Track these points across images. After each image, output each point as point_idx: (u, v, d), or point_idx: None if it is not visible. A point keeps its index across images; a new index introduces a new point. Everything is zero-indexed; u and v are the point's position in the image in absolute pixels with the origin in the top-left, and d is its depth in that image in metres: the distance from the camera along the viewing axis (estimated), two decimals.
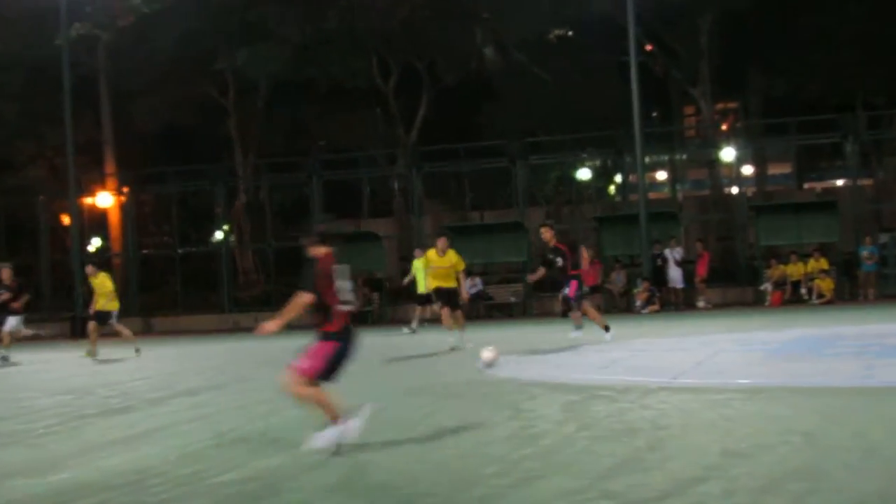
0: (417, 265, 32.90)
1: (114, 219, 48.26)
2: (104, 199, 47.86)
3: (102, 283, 28.22)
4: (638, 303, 38.21)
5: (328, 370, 11.11)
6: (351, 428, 10.99)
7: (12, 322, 27.96)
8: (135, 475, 10.49)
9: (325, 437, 10.92)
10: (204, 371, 22.09)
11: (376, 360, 22.49)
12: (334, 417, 10.95)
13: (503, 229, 41.73)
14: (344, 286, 11.20)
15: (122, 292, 45.83)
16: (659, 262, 39.24)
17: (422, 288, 32.55)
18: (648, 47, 49.14)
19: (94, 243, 51.93)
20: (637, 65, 39.37)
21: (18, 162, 53.01)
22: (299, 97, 50.21)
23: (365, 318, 39.98)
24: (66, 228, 48.63)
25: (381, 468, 10.24)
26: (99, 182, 48.73)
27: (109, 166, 49.04)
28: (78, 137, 44.21)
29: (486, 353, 16.77)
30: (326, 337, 11.15)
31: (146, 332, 41.45)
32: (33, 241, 47.06)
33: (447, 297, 24.33)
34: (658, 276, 38.99)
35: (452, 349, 23.58)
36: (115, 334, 29.57)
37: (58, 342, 37.08)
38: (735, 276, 42.27)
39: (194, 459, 11.24)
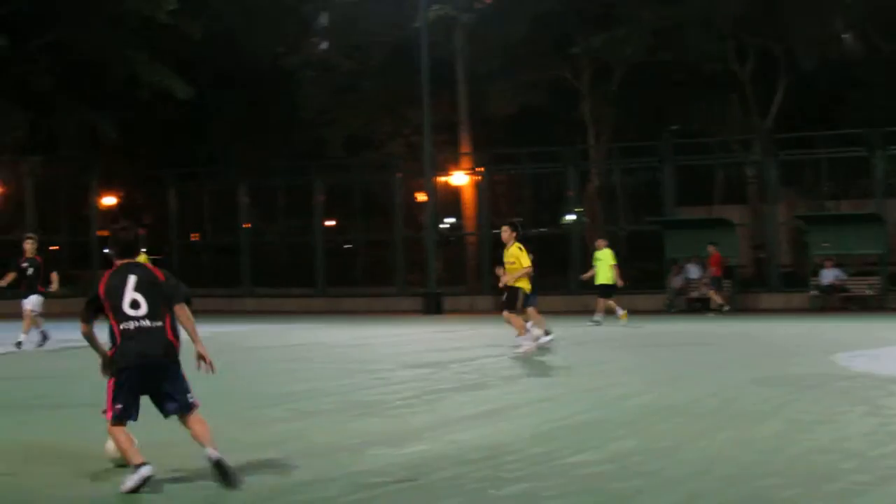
0: (600, 255, 32.29)
1: (467, 198, 49.16)
2: (458, 179, 48.80)
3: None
4: None
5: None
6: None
7: (33, 301, 24.54)
8: (488, 451, 10.67)
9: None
10: (553, 352, 22.25)
11: (727, 348, 22.27)
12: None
13: (859, 220, 40.44)
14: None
15: (475, 271, 46.82)
16: None
17: (602, 279, 32.11)
18: None
19: (447, 221, 53.06)
20: None
21: (378, 139, 54.66)
22: (654, 81, 49.94)
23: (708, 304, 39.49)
24: (419, 205, 49.83)
25: (732, 460, 10.11)
26: (453, 161, 49.72)
27: (464, 146, 49.99)
28: (434, 117, 45.17)
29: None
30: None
31: (497, 310, 41.93)
32: (388, 216, 48.38)
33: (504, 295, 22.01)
34: None
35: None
36: None
37: (411, 317, 37.98)
38: None
39: (548, 438, 11.36)
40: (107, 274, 9.64)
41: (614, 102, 51.41)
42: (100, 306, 9.49)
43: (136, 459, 9.17)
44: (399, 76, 48.86)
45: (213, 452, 9.12)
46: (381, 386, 16.47)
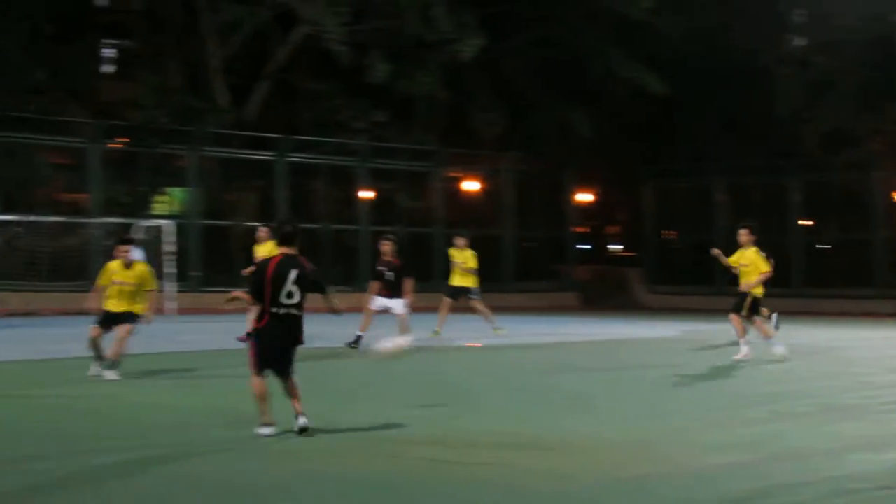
0: None
1: None
2: None
3: (466, 259, 26.67)
4: None
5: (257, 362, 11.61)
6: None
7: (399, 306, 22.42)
8: None
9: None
10: None
11: None
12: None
13: None
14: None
15: None
16: None
17: None
18: None
19: None
20: None
21: (855, 137, 53.09)
22: None
23: None
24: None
25: None
26: None
27: None
28: None
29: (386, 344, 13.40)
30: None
31: None
32: (866, 215, 46.88)
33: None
34: None
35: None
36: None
37: (892, 320, 36.65)
38: None
39: None
40: (273, 262, 11.71)
41: None
42: (262, 288, 11.56)
43: (264, 417, 11.47)
44: (878, 70, 47.35)
45: (302, 420, 11.46)
46: (862, 390, 16.09)
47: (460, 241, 27.03)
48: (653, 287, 49.30)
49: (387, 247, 22.50)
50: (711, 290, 46.78)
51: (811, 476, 9.69)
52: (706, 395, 15.68)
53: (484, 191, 49.65)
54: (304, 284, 11.55)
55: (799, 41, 54.16)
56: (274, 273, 11.48)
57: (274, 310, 11.45)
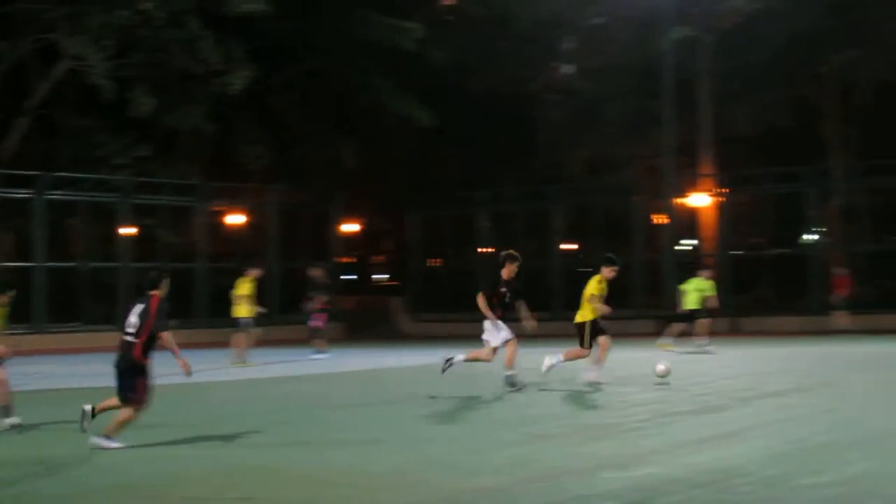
0: None
1: (706, 219, 48.42)
2: (698, 200, 48.06)
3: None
4: None
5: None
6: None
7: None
8: (721, 474, 10.55)
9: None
10: (790, 373, 21.87)
11: None
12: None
13: None
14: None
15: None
16: None
17: None
18: None
19: (685, 243, 52.39)
20: None
21: (617, 162, 54.33)
22: None
23: None
24: (656, 228, 49.38)
25: None
26: (692, 182, 49.05)
27: (705, 167, 49.21)
28: (674, 138, 44.94)
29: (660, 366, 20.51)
30: None
31: (734, 332, 41.27)
32: (627, 239, 47.99)
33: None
34: None
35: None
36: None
37: (649, 340, 37.53)
38: None
39: (781, 461, 11.17)
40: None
41: (860, 121, 50.04)
42: None
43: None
44: (641, 98, 48.52)
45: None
46: (620, 408, 16.38)
47: (254, 272, 27.33)
48: (416, 315, 49.46)
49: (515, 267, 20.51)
50: (472, 317, 47.25)
51: (561, 496, 9.79)
52: (463, 420, 15.73)
53: (249, 224, 49.26)
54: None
55: (567, 69, 55.04)
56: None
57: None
